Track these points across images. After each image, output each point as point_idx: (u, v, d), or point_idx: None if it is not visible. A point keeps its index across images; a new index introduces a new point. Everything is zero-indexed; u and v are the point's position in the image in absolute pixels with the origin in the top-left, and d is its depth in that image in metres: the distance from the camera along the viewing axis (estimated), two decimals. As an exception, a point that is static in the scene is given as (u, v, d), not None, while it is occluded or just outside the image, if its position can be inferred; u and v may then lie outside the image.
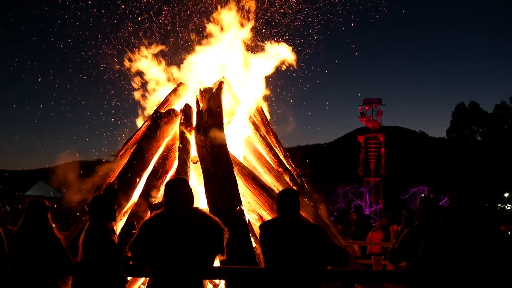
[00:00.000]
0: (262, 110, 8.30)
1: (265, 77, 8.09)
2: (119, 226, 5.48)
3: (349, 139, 56.93)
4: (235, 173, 6.16)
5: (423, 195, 20.69)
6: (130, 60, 8.44)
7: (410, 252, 3.78)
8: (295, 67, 8.35)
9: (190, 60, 8.25)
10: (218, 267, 4.21)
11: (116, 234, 3.97)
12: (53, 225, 3.78)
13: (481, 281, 2.95)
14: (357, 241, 11.20)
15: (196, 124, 6.79)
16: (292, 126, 9.04)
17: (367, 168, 25.77)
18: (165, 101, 7.94)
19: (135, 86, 8.51)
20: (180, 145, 6.48)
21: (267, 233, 3.59)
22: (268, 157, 7.60)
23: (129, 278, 4.57)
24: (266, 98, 8.40)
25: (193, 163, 6.47)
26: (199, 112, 6.93)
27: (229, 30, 8.20)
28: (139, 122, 8.15)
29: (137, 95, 8.47)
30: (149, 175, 6.27)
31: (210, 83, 7.78)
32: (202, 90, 7.33)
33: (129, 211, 5.88)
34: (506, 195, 42.50)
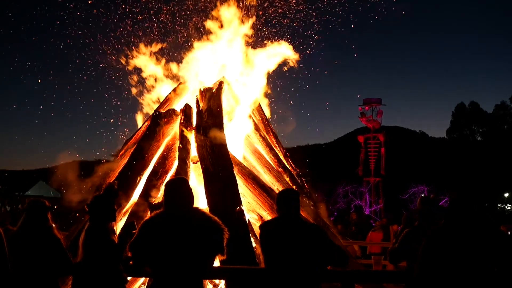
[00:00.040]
0: (262, 110, 8.30)
1: (266, 76, 8.10)
2: (119, 226, 5.48)
3: (349, 139, 56.94)
4: (235, 173, 6.16)
5: (423, 195, 20.69)
6: (130, 59, 8.46)
7: (410, 252, 3.78)
8: (295, 66, 8.36)
9: (190, 58, 8.26)
10: (218, 267, 4.21)
11: (116, 234, 3.97)
12: (53, 225, 3.78)
13: (481, 281, 2.95)
14: (357, 241, 11.21)
15: (196, 124, 6.80)
16: (292, 126, 9.05)
17: (367, 168, 25.77)
18: (165, 101, 7.95)
19: (135, 85, 8.52)
20: (180, 145, 6.48)
21: (267, 233, 3.59)
22: (268, 157, 7.60)
23: (129, 278, 4.56)
24: (266, 97, 8.41)
25: (193, 163, 6.47)
26: (199, 112, 6.94)
27: (229, 27, 8.20)
28: (139, 121, 8.16)
29: (137, 94, 8.48)
30: (149, 175, 6.27)
31: (210, 82, 7.78)
32: (202, 90, 7.33)
33: (129, 211, 5.88)
34: (506, 195, 42.50)
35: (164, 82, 8.46)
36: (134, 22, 8.77)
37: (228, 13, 8.16)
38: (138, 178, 6.32)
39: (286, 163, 7.87)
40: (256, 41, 8.35)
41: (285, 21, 8.86)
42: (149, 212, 5.19)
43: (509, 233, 10.90)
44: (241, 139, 7.45)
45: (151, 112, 8.01)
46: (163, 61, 8.43)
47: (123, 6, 8.93)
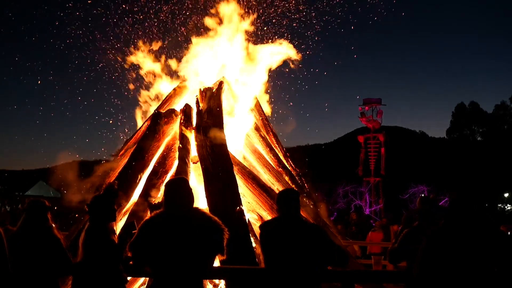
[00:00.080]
0: (262, 110, 8.30)
1: (267, 71, 8.11)
2: (119, 226, 5.48)
3: (349, 139, 56.92)
4: (235, 173, 6.16)
5: (422, 195, 20.70)
6: (130, 58, 8.46)
7: (410, 252, 3.78)
8: (296, 66, 8.36)
9: (190, 56, 8.27)
10: (218, 267, 4.21)
11: (116, 234, 3.97)
12: (53, 225, 3.78)
13: (481, 281, 2.95)
14: (357, 241, 11.21)
15: (196, 124, 6.80)
16: (292, 126, 9.05)
17: (367, 168, 25.76)
18: (165, 101, 7.95)
19: (135, 84, 8.52)
20: (180, 145, 6.48)
21: (267, 233, 3.59)
22: (268, 157, 7.60)
23: (129, 278, 4.57)
24: (267, 93, 8.42)
25: (193, 163, 6.47)
26: (199, 112, 6.94)
27: (229, 24, 8.21)
28: (139, 119, 8.16)
29: (137, 93, 8.49)
30: (149, 175, 6.27)
31: (211, 81, 7.79)
32: (202, 90, 7.33)
33: (129, 211, 5.88)
34: (506, 195, 42.50)
35: (164, 80, 8.48)
36: (134, 21, 8.78)
37: (228, 9, 8.16)
38: (138, 178, 6.32)
39: (286, 163, 7.88)
40: (256, 40, 8.36)
41: (284, 21, 8.87)
42: (149, 212, 5.19)
43: (509, 233, 10.90)
44: (241, 137, 7.46)
45: (151, 110, 8.02)
46: (163, 59, 8.45)
47: (124, 6, 8.94)
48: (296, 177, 7.81)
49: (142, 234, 3.24)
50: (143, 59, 8.42)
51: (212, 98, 7.12)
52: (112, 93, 9.62)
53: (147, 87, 8.45)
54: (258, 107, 8.17)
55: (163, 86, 8.43)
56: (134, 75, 8.49)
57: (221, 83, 7.47)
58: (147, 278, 4.81)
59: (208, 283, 5.42)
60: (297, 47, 8.36)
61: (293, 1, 8.98)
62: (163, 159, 6.56)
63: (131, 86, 8.51)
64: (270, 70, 8.17)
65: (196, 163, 6.44)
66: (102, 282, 3.61)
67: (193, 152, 6.59)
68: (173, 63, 8.44)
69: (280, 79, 8.88)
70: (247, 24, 8.26)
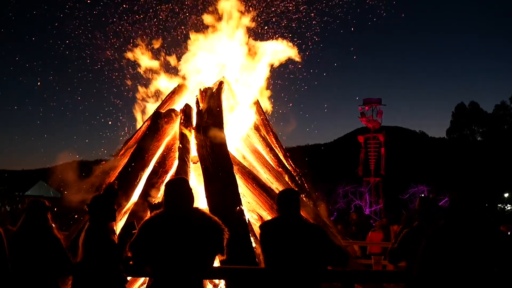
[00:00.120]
0: (262, 110, 8.30)
1: (268, 67, 8.11)
2: (119, 226, 5.48)
3: (349, 139, 56.91)
4: (235, 173, 6.16)
5: (422, 195, 20.71)
6: (130, 57, 8.47)
7: (409, 252, 3.78)
8: (296, 63, 8.37)
9: (190, 54, 8.27)
10: (218, 267, 4.21)
11: (116, 234, 3.97)
12: (53, 225, 3.78)
13: (481, 281, 2.95)
14: (357, 241, 11.21)
15: (196, 124, 6.80)
16: (292, 126, 9.05)
17: (367, 168, 25.75)
18: (165, 100, 7.95)
19: (134, 82, 8.53)
20: (180, 145, 6.49)
21: (267, 233, 3.59)
22: (268, 157, 7.60)
23: (129, 278, 4.57)
24: (267, 92, 8.42)
25: (193, 163, 6.47)
26: (199, 112, 6.94)
27: (228, 23, 8.21)
28: (139, 118, 8.17)
29: (136, 91, 8.49)
30: (149, 175, 6.27)
31: (211, 79, 7.79)
32: (202, 90, 7.34)
33: (129, 211, 5.88)
34: (506, 195, 42.51)
35: (164, 79, 8.48)
36: (134, 20, 8.78)
37: (227, 5, 8.17)
38: (138, 178, 6.32)
39: (286, 163, 7.88)
40: (256, 38, 8.36)
41: (283, 22, 8.87)
42: (149, 212, 5.19)
43: (509, 233, 10.90)
44: (241, 137, 7.46)
45: (150, 109, 8.04)
46: (162, 57, 8.46)
47: (124, 6, 8.95)
48: (296, 177, 7.81)
49: (142, 234, 3.24)
50: (143, 57, 8.43)
51: (212, 98, 7.12)
52: (112, 92, 9.63)
53: (147, 85, 8.46)
54: (258, 107, 8.17)
55: (163, 83, 8.43)
56: (134, 73, 8.50)
57: (221, 83, 7.47)
58: (147, 278, 4.81)
59: (208, 283, 5.42)
60: (297, 47, 8.37)
61: (293, 1, 8.99)
62: (163, 159, 6.56)
63: (129, 82, 8.51)
64: (271, 66, 8.17)
65: (196, 163, 6.44)
66: (102, 282, 3.61)
67: (193, 152, 6.59)
68: (172, 60, 8.46)
69: (280, 79, 8.89)
70: (247, 21, 8.26)
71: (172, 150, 6.69)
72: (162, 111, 7.31)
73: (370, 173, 25.65)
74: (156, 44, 8.48)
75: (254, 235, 5.68)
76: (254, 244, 5.49)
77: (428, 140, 71.83)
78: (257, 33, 8.50)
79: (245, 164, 6.94)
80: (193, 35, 8.34)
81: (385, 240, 10.60)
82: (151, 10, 8.78)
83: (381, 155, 24.89)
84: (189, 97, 7.75)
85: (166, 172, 6.41)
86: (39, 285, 3.60)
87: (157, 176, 6.23)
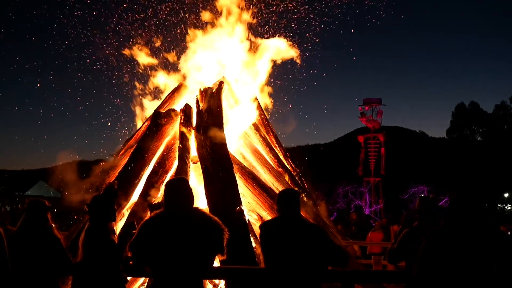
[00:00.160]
0: (262, 110, 8.31)
1: (270, 62, 8.11)
2: (119, 226, 5.48)
3: (349, 139, 56.91)
4: (235, 173, 6.16)
5: (422, 195, 20.71)
6: (130, 56, 8.47)
7: (409, 252, 3.78)
8: (297, 62, 8.37)
9: (190, 53, 8.28)
10: (218, 267, 4.21)
11: (116, 234, 3.97)
12: (53, 225, 3.78)
13: (481, 281, 2.95)
14: (357, 241, 11.21)
15: (196, 124, 6.80)
16: (292, 126, 9.06)
17: (367, 168, 25.76)
18: (165, 100, 7.95)
19: (135, 82, 8.54)
20: (180, 145, 6.49)
21: (267, 233, 3.59)
22: (268, 157, 7.60)
23: (129, 278, 4.57)
24: (268, 89, 8.43)
25: (193, 163, 6.47)
26: (199, 112, 6.94)
27: (228, 20, 8.22)
28: (139, 119, 8.17)
29: (137, 92, 8.50)
30: (149, 175, 6.27)
31: (210, 80, 7.79)
32: (202, 90, 7.34)
33: (129, 211, 5.88)
34: (506, 195, 42.51)
35: (164, 77, 8.49)
36: (134, 20, 8.79)
37: (227, 2, 8.17)
38: (138, 178, 6.32)
39: (286, 163, 7.88)
40: (256, 36, 8.37)
41: (283, 22, 8.87)
42: (149, 212, 5.19)
43: (509, 233, 10.90)
44: (241, 137, 7.46)
45: (149, 107, 8.04)
46: (162, 55, 8.46)
47: (124, 6, 8.95)
48: (296, 177, 7.81)
49: (142, 234, 3.24)
50: (143, 56, 8.43)
51: (212, 97, 7.12)
52: (112, 92, 9.63)
53: (146, 83, 8.47)
54: (258, 106, 8.18)
55: (163, 80, 8.44)
56: (134, 72, 8.50)
57: (221, 83, 7.47)
58: (147, 278, 4.81)
59: (208, 283, 5.43)
60: (297, 47, 8.37)
61: (293, 1, 8.99)
62: (163, 159, 6.56)
63: (126, 79, 8.52)
64: (272, 62, 8.18)
65: (196, 163, 6.44)
66: (102, 282, 3.61)
67: (193, 152, 6.59)
68: (172, 57, 8.47)
69: (280, 80, 8.89)
70: (247, 17, 8.27)
71: (172, 150, 6.69)
72: (162, 111, 7.31)
73: (370, 173, 25.66)
74: (157, 43, 8.49)
75: (254, 235, 5.68)
76: (254, 244, 5.49)
77: (428, 140, 71.82)
78: (257, 32, 8.51)
79: (245, 164, 6.94)
80: (192, 33, 8.35)
81: (385, 240, 10.60)
82: (151, 9, 8.79)
83: (381, 155, 24.90)
84: (189, 97, 7.75)
85: (166, 172, 6.41)
86: (39, 285, 3.60)
87: (157, 176, 6.23)
